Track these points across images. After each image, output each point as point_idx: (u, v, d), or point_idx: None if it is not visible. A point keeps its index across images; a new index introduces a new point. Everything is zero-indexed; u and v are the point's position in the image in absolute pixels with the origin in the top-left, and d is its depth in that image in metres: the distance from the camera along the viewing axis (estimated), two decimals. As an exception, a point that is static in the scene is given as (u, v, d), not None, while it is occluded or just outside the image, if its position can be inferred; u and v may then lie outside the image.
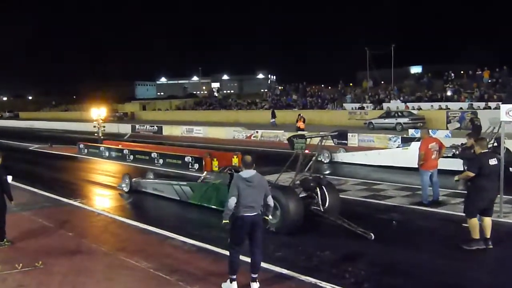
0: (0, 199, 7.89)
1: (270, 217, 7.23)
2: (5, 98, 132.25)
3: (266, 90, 70.49)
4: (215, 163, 15.88)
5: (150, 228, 9.02)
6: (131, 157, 19.42)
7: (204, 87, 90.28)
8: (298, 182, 8.89)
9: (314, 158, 9.31)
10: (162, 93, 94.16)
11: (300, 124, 28.62)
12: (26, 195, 12.61)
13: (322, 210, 8.53)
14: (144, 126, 37.92)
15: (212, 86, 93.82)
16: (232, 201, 5.71)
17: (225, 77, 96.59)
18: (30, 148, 26.22)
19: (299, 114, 30.71)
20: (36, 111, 78.68)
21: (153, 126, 36.63)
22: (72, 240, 8.34)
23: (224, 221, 5.77)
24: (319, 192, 8.65)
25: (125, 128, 37.55)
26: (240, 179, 5.82)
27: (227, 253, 6.04)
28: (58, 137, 34.55)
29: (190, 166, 16.65)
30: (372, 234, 7.75)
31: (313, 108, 41.06)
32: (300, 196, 8.52)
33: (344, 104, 39.84)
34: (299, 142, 8.66)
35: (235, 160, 15.44)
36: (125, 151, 19.98)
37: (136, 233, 8.88)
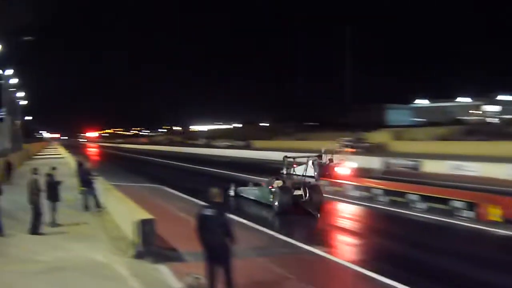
0: (224, 241, 8.22)
1: (276, 203, 17.52)
2: (237, 125, 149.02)
3: None
4: (497, 211, 14.68)
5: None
6: (384, 198, 19.35)
7: (476, 111, 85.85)
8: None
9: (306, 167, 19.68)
10: (420, 119, 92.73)
11: None
12: (262, 237, 13.76)
13: (303, 201, 17.34)
14: (397, 160, 37.70)
15: (487, 109, 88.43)
16: None
17: (505, 97, 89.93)
18: (263, 183, 28.44)
19: None
20: (269, 140, 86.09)
21: (410, 161, 36.09)
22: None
23: None
24: (302, 191, 17.53)
25: (373, 162, 37.92)
26: None
27: None
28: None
29: (458, 213, 15.73)
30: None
31: None
32: (295, 193, 17.47)
33: None
34: (288, 161, 20.45)
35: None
36: (376, 191, 20.03)
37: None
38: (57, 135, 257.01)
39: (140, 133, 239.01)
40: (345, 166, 25.31)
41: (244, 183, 23.05)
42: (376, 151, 53.14)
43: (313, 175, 24.52)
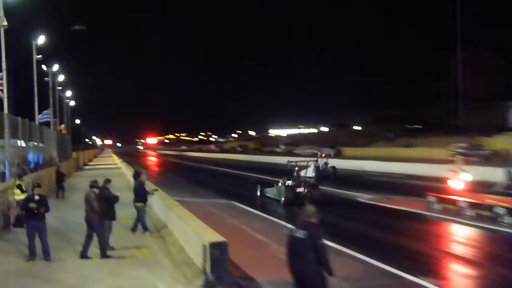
0: (317, 270, 8.08)
1: (282, 198, 27.31)
2: (325, 129, 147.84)
3: None
4: None
5: None
6: (509, 219, 18.68)
7: None
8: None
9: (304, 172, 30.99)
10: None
11: None
12: (357, 266, 13.64)
13: (303, 195, 26.22)
14: (525, 171, 36.26)
15: None
16: None
17: None
18: (359, 200, 28.24)
19: None
20: (365, 147, 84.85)
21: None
22: None
23: None
24: (303, 188, 27.01)
25: (494, 174, 36.71)
26: None
27: None
28: (397, 184, 36.71)
29: None
30: None
31: None
32: (297, 190, 27.03)
33: None
34: (291, 164, 31.68)
35: None
36: (498, 210, 19.36)
37: None
38: (110, 142, 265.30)
39: (208, 139, 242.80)
40: (459, 179, 24.56)
41: (270, 184, 30.80)
42: (498, 160, 51.54)
43: (311, 176, 35.51)
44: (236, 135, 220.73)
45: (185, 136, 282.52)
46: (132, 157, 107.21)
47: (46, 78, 50.82)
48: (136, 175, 22.90)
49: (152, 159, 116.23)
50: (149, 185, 19.63)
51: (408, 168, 48.29)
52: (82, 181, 40.27)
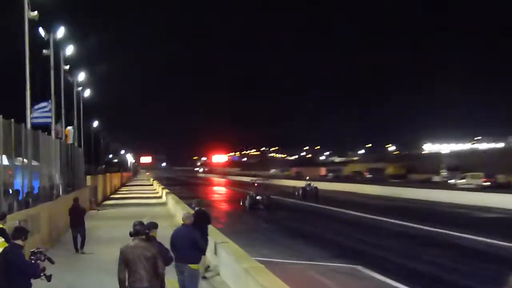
0: None
1: (247, 204, 75.82)
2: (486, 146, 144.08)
3: None
4: None
5: None
6: None
7: None
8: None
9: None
10: None
11: None
12: None
13: (259, 202, 76.77)
14: None
15: None
16: None
17: None
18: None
19: None
20: None
21: None
22: None
23: None
24: (259, 197, 77.52)
25: None
26: None
27: None
28: None
29: None
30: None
31: None
32: (257, 198, 77.28)
33: None
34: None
35: None
36: None
37: None
38: (149, 159, 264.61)
39: (316, 157, 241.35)
40: None
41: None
42: None
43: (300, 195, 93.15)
44: (363, 151, 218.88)
45: (277, 152, 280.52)
46: (185, 186, 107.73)
47: (45, 51, 48.66)
48: (200, 215, 21.88)
49: (218, 190, 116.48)
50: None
51: None
52: (102, 225, 40.67)
